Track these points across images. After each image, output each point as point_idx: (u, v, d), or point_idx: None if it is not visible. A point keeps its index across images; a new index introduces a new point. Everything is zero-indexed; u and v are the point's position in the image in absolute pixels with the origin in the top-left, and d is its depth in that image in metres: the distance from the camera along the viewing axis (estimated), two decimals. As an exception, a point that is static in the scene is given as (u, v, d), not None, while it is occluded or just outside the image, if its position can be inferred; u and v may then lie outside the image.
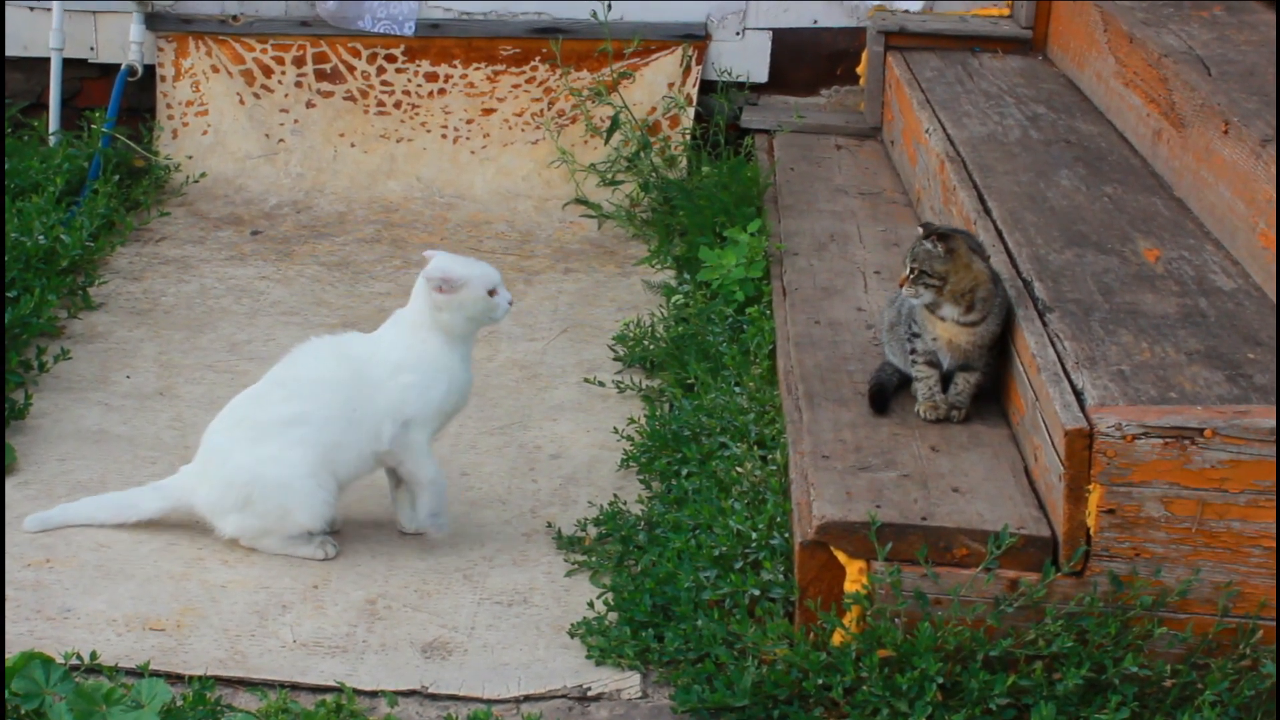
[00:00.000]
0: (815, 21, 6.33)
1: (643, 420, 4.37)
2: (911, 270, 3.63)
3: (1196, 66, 4.55)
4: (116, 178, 5.88)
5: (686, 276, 5.21)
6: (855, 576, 3.25)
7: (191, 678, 3.27)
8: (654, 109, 6.15)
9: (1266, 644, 3.16)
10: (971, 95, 5.48)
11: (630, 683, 3.33)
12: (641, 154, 5.89)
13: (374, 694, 3.28)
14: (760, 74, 6.34)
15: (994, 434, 3.63)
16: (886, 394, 3.77)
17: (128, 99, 6.22)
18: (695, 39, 6.23)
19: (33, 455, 4.17)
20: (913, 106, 5.43)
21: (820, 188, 5.50)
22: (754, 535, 3.58)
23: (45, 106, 6.23)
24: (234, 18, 6.32)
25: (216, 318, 5.12)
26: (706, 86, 6.27)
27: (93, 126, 6.03)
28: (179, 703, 3.14)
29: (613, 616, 3.52)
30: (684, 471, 4.02)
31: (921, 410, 3.70)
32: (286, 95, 6.30)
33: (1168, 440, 3.12)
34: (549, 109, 6.25)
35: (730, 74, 6.28)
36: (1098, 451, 3.13)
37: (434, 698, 3.29)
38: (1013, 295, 3.73)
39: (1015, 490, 3.38)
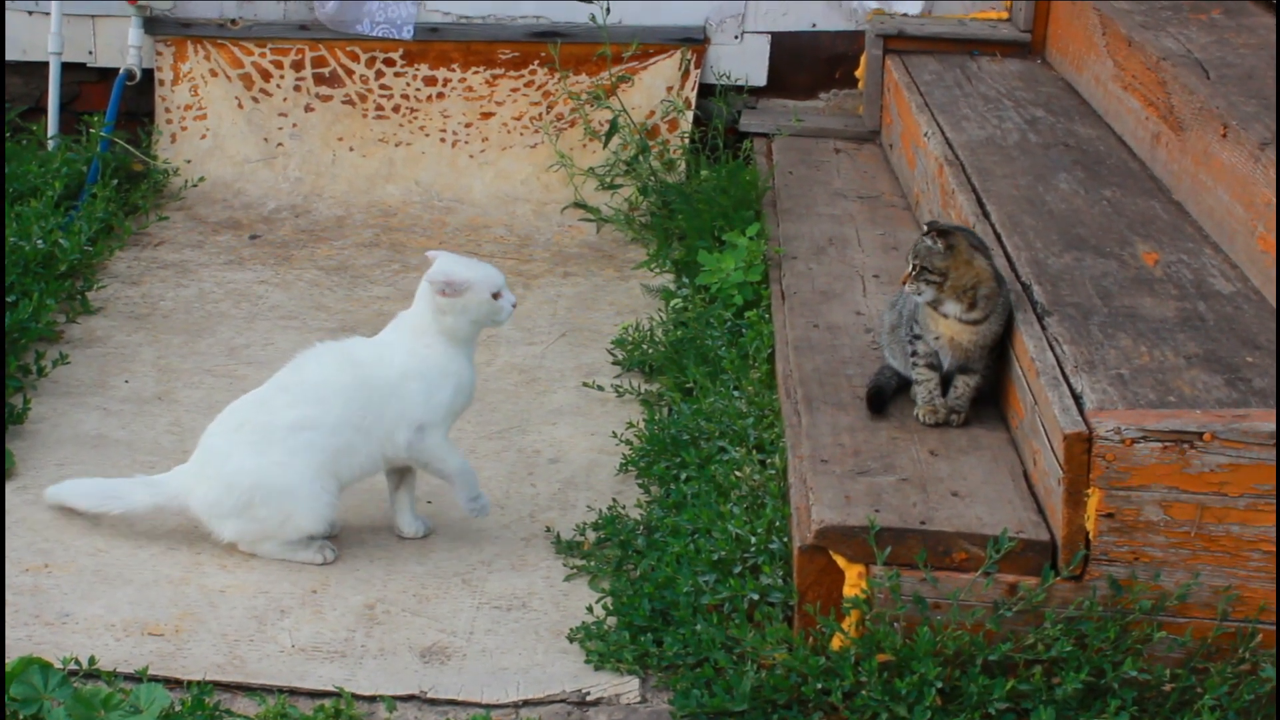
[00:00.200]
0: (814, 25, 6.33)
1: (641, 424, 4.37)
2: (913, 267, 3.64)
3: (1195, 70, 4.55)
4: (115, 182, 5.88)
5: (685, 280, 5.21)
6: (854, 581, 3.25)
7: (190, 683, 3.27)
8: (652, 113, 6.15)
9: (1266, 648, 3.16)
10: (970, 99, 5.48)
11: (629, 687, 3.33)
12: (640, 158, 5.89)
13: (372, 699, 3.27)
14: (759, 77, 6.34)
15: (993, 438, 3.63)
16: (884, 396, 3.77)
17: (126, 103, 6.22)
18: (694, 42, 6.23)
19: (31, 460, 4.17)
20: (911, 110, 5.43)
21: (819, 191, 5.50)
22: (753, 540, 3.58)
23: (44, 110, 6.23)
24: (232, 21, 6.32)
25: (215, 322, 5.11)
26: (705, 90, 6.27)
27: (91, 131, 6.03)
28: (177, 708, 3.14)
29: (611, 621, 3.52)
30: (683, 476, 4.02)
31: (921, 414, 3.69)
32: (285, 99, 6.30)
33: (1167, 444, 3.11)
34: (548, 113, 6.25)
35: (729, 77, 6.28)
36: (1097, 455, 3.13)
37: (433, 703, 3.28)
38: (1012, 299, 3.73)
39: (1014, 494, 3.38)
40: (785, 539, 3.55)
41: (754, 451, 4.00)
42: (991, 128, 5.14)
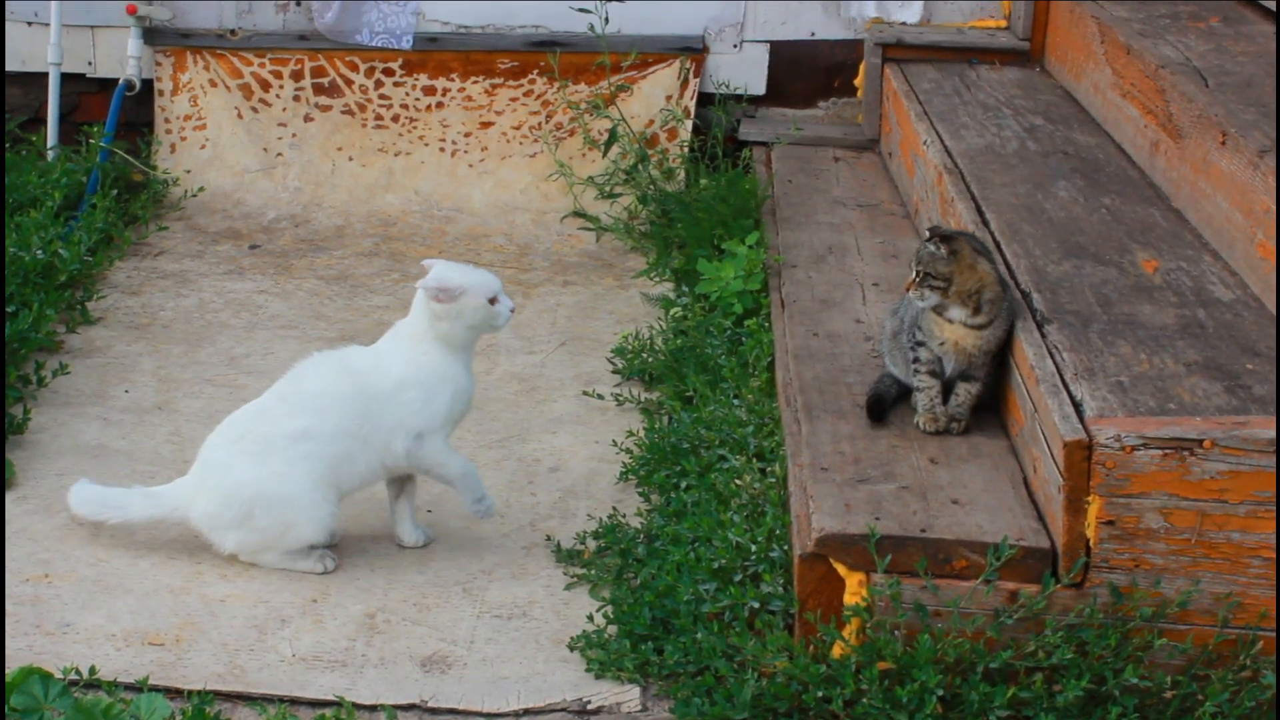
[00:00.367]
0: (813, 34, 6.34)
1: (641, 433, 4.37)
2: (917, 273, 3.63)
3: (1194, 77, 4.55)
4: (115, 192, 5.88)
5: (685, 289, 5.21)
6: (855, 589, 3.25)
7: (190, 692, 3.27)
8: (652, 121, 6.16)
9: (1267, 655, 3.16)
10: (969, 107, 5.49)
11: (630, 696, 3.33)
12: (639, 167, 5.90)
13: (373, 708, 3.27)
14: (758, 86, 6.35)
15: (993, 445, 3.63)
16: (884, 404, 3.77)
17: (126, 113, 6.23)
18: (693, 51, 6.23)
19: (31, 470, 4.17)
20: (910, 118, 5.43)
21: (818, 200, 5.50)
22: (753, 548, 3.58)
23: (43, 121, 6.24)
24: (232, 32, 6.33)
25: (215, 332, 5.11)
26: (704, 99, 6.28)
27: (91, 141, 6.04)
28: (178, 718, 3.14)
29: (612, 629, 3.52)
30: (683, 484, 4.02)
31: (921, 422, 3.69)
32: (284, 109, 6.31)
33: (1167, 451, 3.11)
34: (547, 122, 6.26)
35: (728, 86, 6.29)
36: (1097, 463, 3.13)
37: (433, 712, 3.28)
38: (1015, 303, 3.73)
39: (1014, 502, 3.38)
40: (786, 547, 3.55)
41: (754, 460, 4.00)
42: (990, 136, 5.15)
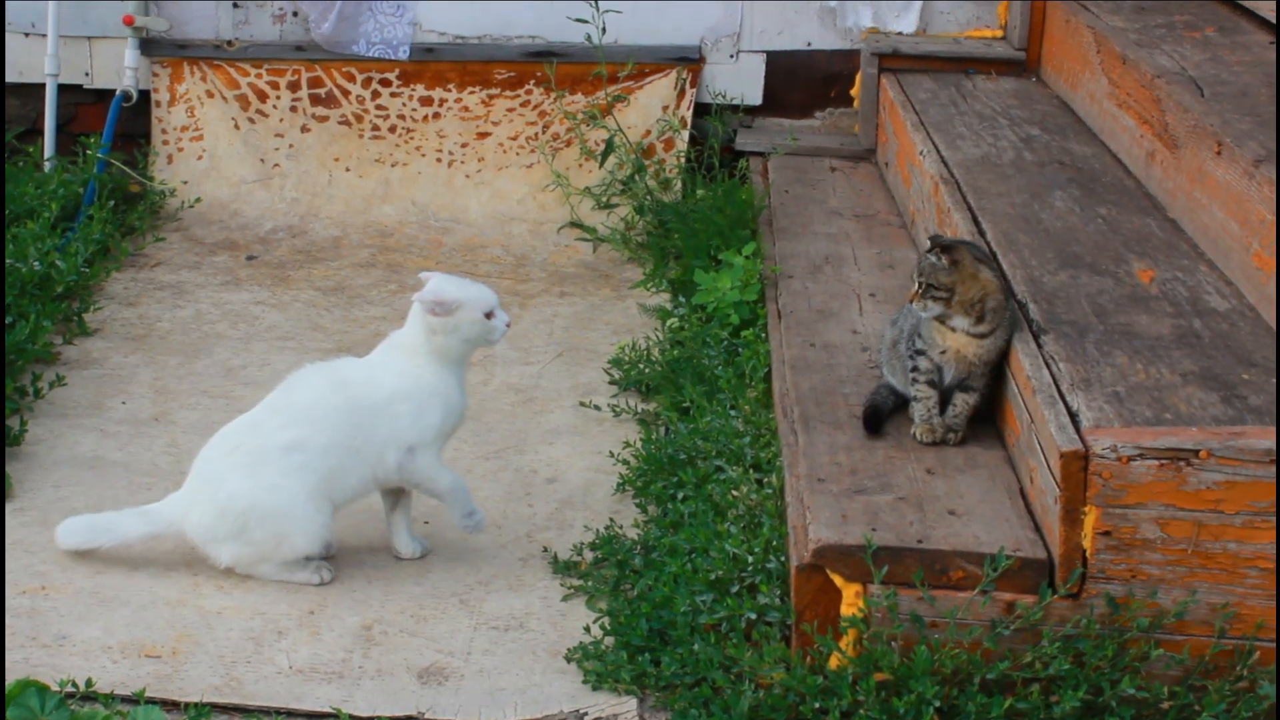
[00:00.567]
0: (809, 44, 6.35)
1: (638, 444, 4.37)
2: (919, 285, 3.63)
3: (1189, 87, 4.56)
4: (112, 203, 5.88)
5: (682, 299, 5.21)
6: (851, 600, 3.25)
7: (187, 705, 3.27)
8: (648, 132, 6.16)
9: (1264, 665, 3.16)
10: (965, 117, 5.49)
11: (627, 707, 3.33)
12: (636, 177, 5.90)
13: (370, 720, 3.28)
14: (754, 96, 6.35)
15: (989, 456, 3.63)
16: (881, 415, 3.77)
17: (123, 124, 6.23)
18: (689, 62, 6.24)
19: (28, 482, 4.17)
20: (907, 128, 5.43)
21: (815, 210, 5.51)
22: (750, 559, 3.58)
23: (40, 132, 6.24)
24: (229, 43, 6.33)
25: (212, 343, 5.11)
26: (701, 109, 6.28)
27: (88, 152, 6.04)
28: (175, 730, 3.14)
29: (609, 641, 3.51)
30: (680, 495, 4.02)
31: (918, 433, 3.70)
32: (281, 120, 6.31)
33: (1163, 462, 3.12)
34: (544, 132, 6.26)
35: (725, 97, 6.29)
36: (1093, 473, 3.13)
37: (430, 723, 3.29)
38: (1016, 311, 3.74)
39: (1011, 512, 3.38)
40: (782, 558, 3.55)
41: (751, 471, 4.00)
42: (987, 146, 5.15)
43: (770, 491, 3.85)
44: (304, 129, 6.31)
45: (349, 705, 3.30)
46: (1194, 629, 3.18)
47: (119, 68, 6.25)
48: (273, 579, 3.74)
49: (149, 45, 6.29)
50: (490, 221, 6.14)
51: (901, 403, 3.83)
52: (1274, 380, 3.44)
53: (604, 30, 5.79)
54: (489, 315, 3.78)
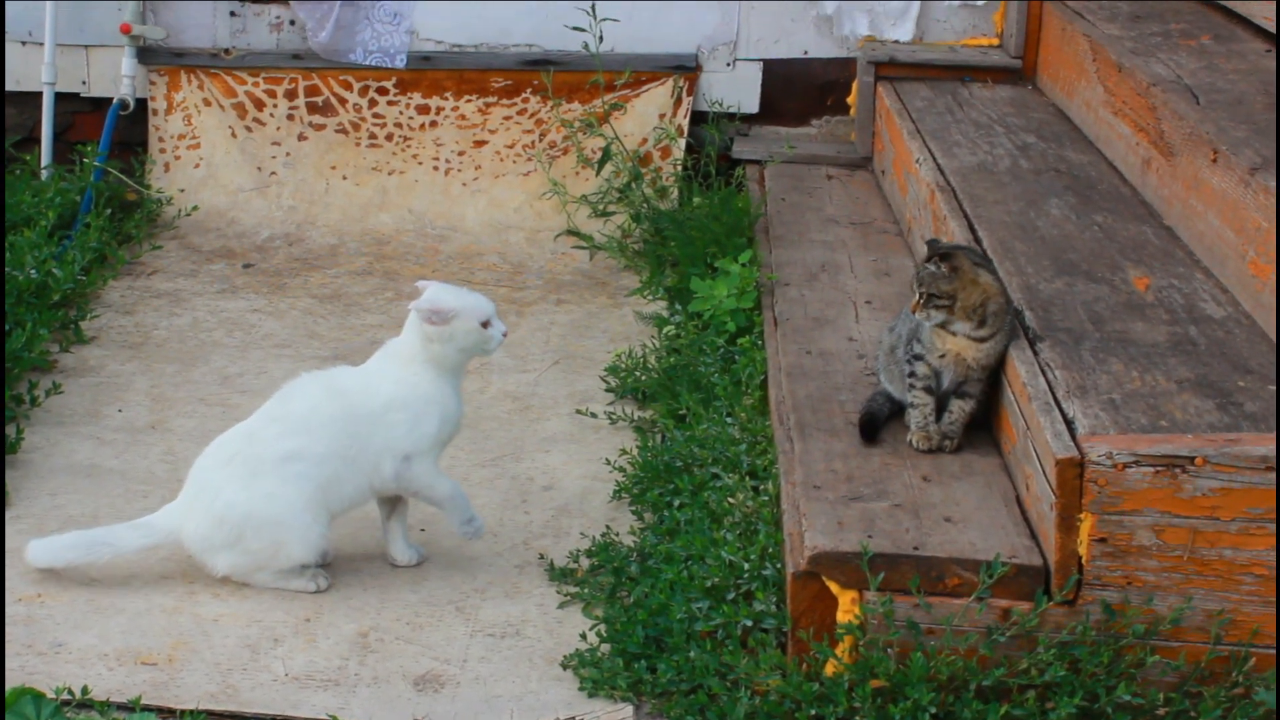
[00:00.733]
0: (806, 52, 6.35)
1: (635, 451, 4.37)
2: (920, 295, 3.63)
3: (1185, 95, 4.57)
4: (108, 211, 5.89)
5: (678, 307, 5.21)
6: (848, 607, 3.25)
7: (183, 712, 3.27)
8: (645, 140, 6.17)
9: (1260, 671, 3.16)
10: (961, 125, 5.50)
11: (623, 714, 3.33)
12: (633, 185, 5.90)
13: (366, 727, 3.28)
14: (751, 105, 6.36)
15: (985, 463, 3.63)
16: (877, 423, 3.77)
17: (120, 133, 6.23)
18: (686, 70, 6.25)
19: (25, 490, 4.17)
20: (903, 136, 5.44)
21: (811, 218, 5.51)
22: (746, 566, 3.58)
23: (37, 141, 6.24)
24: (226, 51, 6.34)
25: (208, 351, 5.12)
26: (698, 117, 6.29)
27: (85, 160, 6.04)
28: (170, 737, 3.14)
29: (605, 648, 3.51)
30: (676, 502, 4.02)
31: (914, 440, 3.70)
32: (278, 128, 6.32)
33: (1159, 469, 3.12)
34: (540, 140, 6.27)
35: (721, 105, 6.30)
36: (1089, 480, 3.13)
37: (426, 731, 3.29)
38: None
39: (1007, 519, 3.38)
40: (778, 565, 3.55)
41: (747, 478, 4.00)
42: (983, 154, 5.16)
43: (766, 499, 3.85)
44: (301, 137, 6.31)
45: (345, 713, 3.30)
46: (1190, 635, 3.18)
47: (116, 76, 6.26)
48: (269, 586, 3.74)
49: (146, 54, 6.29)
50: (487, 229, 6.14)
51: (898, 410, 3.83)
52: (1270, 387, 3.45)
53: (601, 39, 5.79)
54: (485, 324, 3.78)
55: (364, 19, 6.26)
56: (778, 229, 5.39)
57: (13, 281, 5.01)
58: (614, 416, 4.66)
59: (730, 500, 3.88)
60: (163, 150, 6.30)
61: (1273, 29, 5.15)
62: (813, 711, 3.17)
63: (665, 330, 5.13)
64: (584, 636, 3.57)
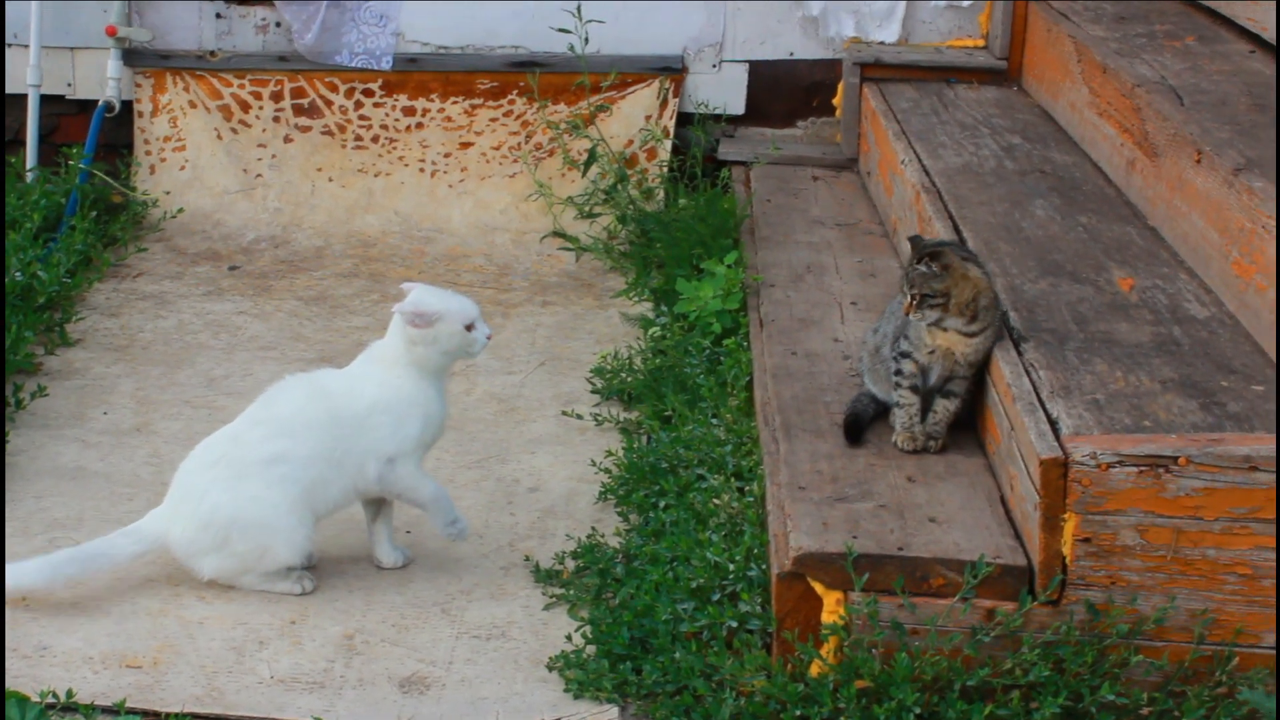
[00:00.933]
0: (791, 53, 6.36)
1: (620, 453, 4.38)
2: (912, 296, 3.62)
3: (1169, 96, 4.58)
4: (94, 214, 5.88)
5: (664, 308, 5.22)
6: (832, 607, 3.25)
7: (168, 715, 3.27)
8: (631, 141, 6.17)
9: (1242, 671, 3.17)
10: (947, 126, 5.51)
11: (609, 716, 3.33)
12: (619, 186, 5.91)
13: (351, 729, 3.28)
14: (737, 106, 6.36)
15: (970, 464, 3.64)
16: (861, 424, 3.78)
17: (105, 135, 6.23)
18: (672, 72, 6.25)
19: (10, 492, 4.16)
20: (888, 137, 5.45)
21: (797, 219, 5.52)
22: (731, 567, 3.58)
23: (22, 143, 6.23)
24: (211, 53, 6.33)
25: (194, 353, 5.11)
26: (683, 119, 6.29)
27: (70, 163, 6.03)
28: (155, 740, 3.14)
29: (591, 649, 3.51)
30: (661, 504, 4.02)
31: (899, 441, 3.70)
32: (264, 130, 6.31)
33: (1142, 469, 3.12)
34: (526, 142, 6.27)
35: (707, 106, 6.30)
36: (1073, 480, 3.14)
37: (412, 733, 3.29)
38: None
39: (991, 520, 3.38)
40: (764, 566, 3.56)
41: (732, 479, 4.00)
42: (968, 155, 5.16)
43: (752, 500, 3.86)
44: (287, 139, 6.31)
45: (330, 715, 3.30)
46: (1173, 635, 3.19)
47: (101, 78, 6.25)
48: (255, 589, 3.73)
49: (131, 56, 6.28)
50: (473, 231, 6.14)
51: (883, 411, 3.84)
52: (1254, 387, 3.45)
53: (587, 40, 5.80)
54: (469, 327, 3.77)
55: (350, 21, 6.26)
56: (763, 230, 5.39)
57: (-2, 284, 5.02)
58: (600, 418, 4.66)
59: (716, 501, 3.89)
60: (148, 152, 6.29)
61: (1256, 30, 5.16)
62: (798, 712, 3.17)
63: (651, 332, 5.13)
64: (569, 638, 3.58)
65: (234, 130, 6.31)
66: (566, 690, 3.41)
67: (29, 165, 6.13)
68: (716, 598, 3.53)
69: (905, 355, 3.70)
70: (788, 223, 5.47)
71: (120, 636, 3.55)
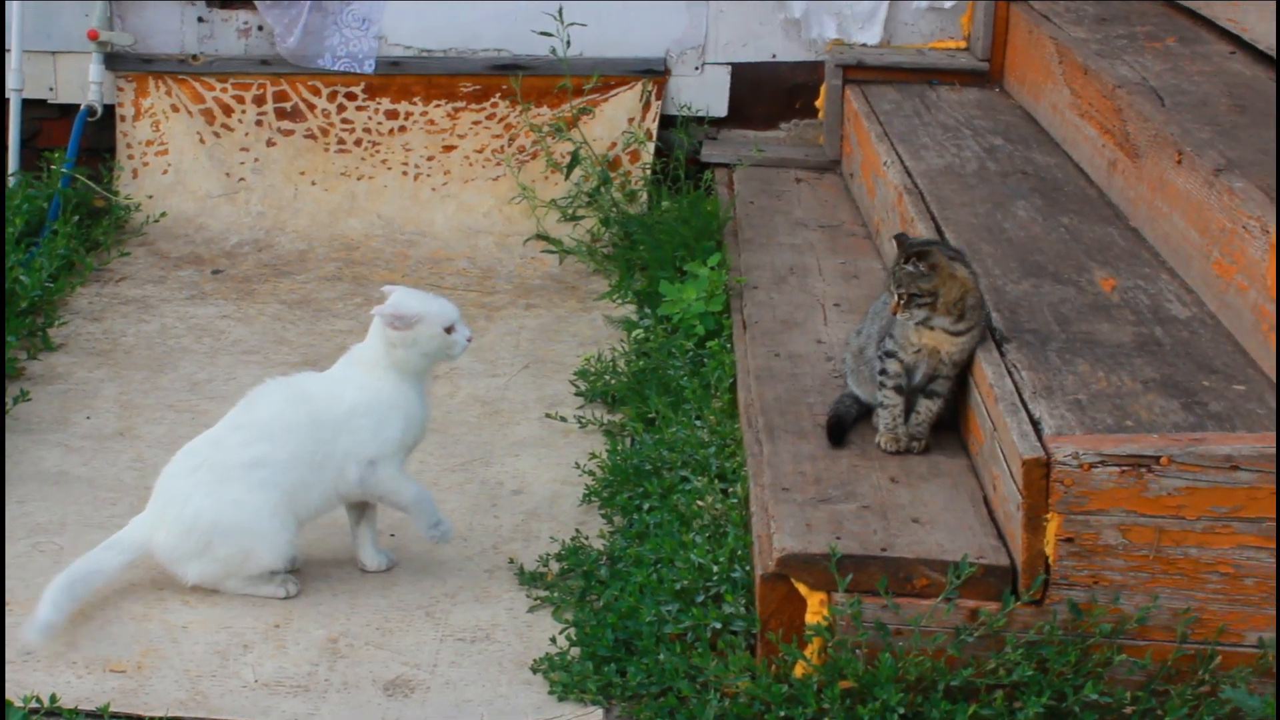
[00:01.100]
0: (774, 56, 6.37)
1: (604, 455, 4.38)
2: (900, 296, 3.62)
3: (1150, 97, 4.59)
4: (76, 218, 5.87)
5: (647, 311, 5.22)
6: (816, 608, 3.26)
7: (152, 719, 3.26)
8: (614, 144, 6.17)
9: (1225, 669, 3.18)
10: (929, 128, 5.52)
11: (593, 718, 3.33)
12: (602, 189, 5.91)
13: (336, 733, 3.27)
14: (720, 108, 6.37)
15: (953, 464, 3.65)
16: (844, 425, 3.78)
17: (87, 139, 6.21)
18: (655, 74, 6.25)
19: (-8, 497, 4.16)
20: (871, 139, 5.46)
21: (780, 221, 5.52)
22: (715, 568, 3.58)
23: (4, 147, 6.20)
24: (194, 57, 6.33)
25: (177, 357, 5.10)
26: (666, 121, 6.30)
27: (52, 167, 6.02)
28: (139, 744, 3.13)
29: (575, 652, 3.52)
30: (645, 506, 4.02)
31: (882, 442, 3.71)
32: (247, 134, 6.31)
33: (1124, 468, 3.13)
34: (509, 145, 6.27)
35: (690, 109, 6.31)
36: (1055, 480, 3.14)
37: (396, 736, 3.28)
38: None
39: (974, 520, 3.39)
40: (747, 567, 3.56)
41: (716, 480, 4.01)
42: (950, 156, 5.17)
43: (735, 501, 3.86)
44: (269, 143, 6.30)
45: (315, 718, 3.30)
46: (1156, 634, 3.20)
47: (83, 83, 6.24)
48: (238, 593, 3.73)
49: (114, 60, 6.28)
50: (457, 234, 6.14)
51: (865, 412, 3.84)
52: (1234, 386, 3.47)
53: (569, 43, 5.80)
54: (449, 330, 3.77)
55: (332, 24, 6.26)
56: (746, 232, 5.40)
57: (-20, 289, 5.01)
58: (583, 420, 4.66)
59: (699, 503, 3.89)
60: (131, 157, 6.28)
61: (1236, 31, 5.18)
62: (782, 713, 3.17)
63: (634, 334, 5.14)
64: (554, 640, 3.58)
65: (216, 134, 6.30)
66: (551, 692, 3.41)
67: (11, 169, 6.12)
68: (700, 599, 3.53)
69: (891, 355, 3.70)
70: (771, 225, 5.48)
71: (104, 641, 3.55)
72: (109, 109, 6.29)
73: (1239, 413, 3.33)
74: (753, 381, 4.15)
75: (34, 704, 3.26)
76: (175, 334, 5.29)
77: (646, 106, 6.24)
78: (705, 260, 5.14)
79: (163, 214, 6.15)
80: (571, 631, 3.59)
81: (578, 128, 5.99)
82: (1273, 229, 3.54)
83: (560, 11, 5.76)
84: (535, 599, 3.77)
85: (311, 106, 6.31)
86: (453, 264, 5.95)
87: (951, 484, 3.55)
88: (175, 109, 6.29)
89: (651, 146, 6.20)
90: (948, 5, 6.31)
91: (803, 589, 3.28)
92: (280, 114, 6.31)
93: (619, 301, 5.51)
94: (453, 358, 3.83)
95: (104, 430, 4.59)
